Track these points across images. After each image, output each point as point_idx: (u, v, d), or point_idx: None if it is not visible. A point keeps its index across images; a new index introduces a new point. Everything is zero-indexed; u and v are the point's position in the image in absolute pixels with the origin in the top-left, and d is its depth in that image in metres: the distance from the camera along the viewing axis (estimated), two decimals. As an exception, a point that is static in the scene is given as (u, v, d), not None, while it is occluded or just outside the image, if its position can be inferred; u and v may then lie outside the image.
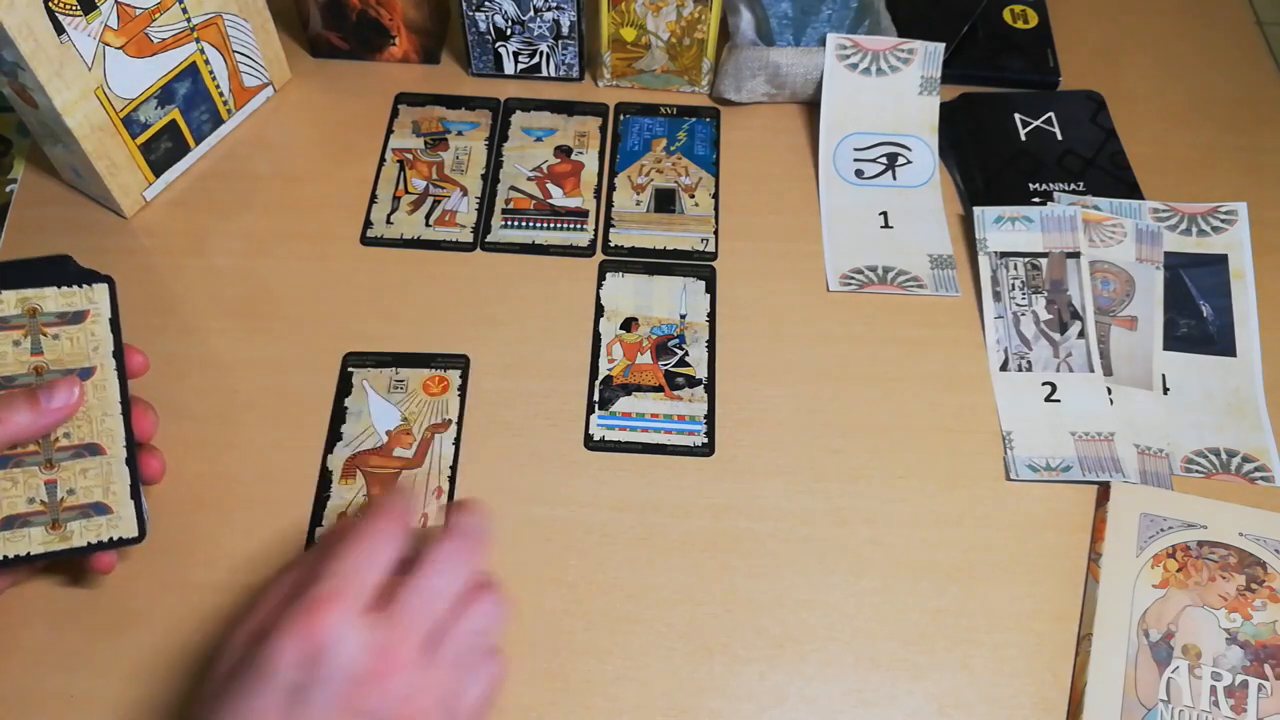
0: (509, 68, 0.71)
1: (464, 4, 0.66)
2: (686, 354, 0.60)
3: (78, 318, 0.48)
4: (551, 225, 0.65)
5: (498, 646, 0.44)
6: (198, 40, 0.62)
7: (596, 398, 0.58)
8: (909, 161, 0.68)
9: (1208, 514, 0.53)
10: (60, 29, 0.54)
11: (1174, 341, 0.60)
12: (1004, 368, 0.59)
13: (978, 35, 0.73)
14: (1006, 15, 0.75)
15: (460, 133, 0.69)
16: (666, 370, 0.59)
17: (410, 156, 0.68)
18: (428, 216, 0.65)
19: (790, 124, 0.70)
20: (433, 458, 0.55)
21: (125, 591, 0.51)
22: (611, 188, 0.67)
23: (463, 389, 0.58)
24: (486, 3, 0.66)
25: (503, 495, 0.54)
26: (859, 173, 0.67)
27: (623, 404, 0.58)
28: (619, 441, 0.56)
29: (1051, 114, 0.70)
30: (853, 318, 0.61)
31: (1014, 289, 0.61)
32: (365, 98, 0.70)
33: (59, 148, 0.61)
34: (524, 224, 0.65)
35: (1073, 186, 0.66)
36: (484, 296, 0.62)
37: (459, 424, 0.57)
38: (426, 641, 0.41)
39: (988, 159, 0.67)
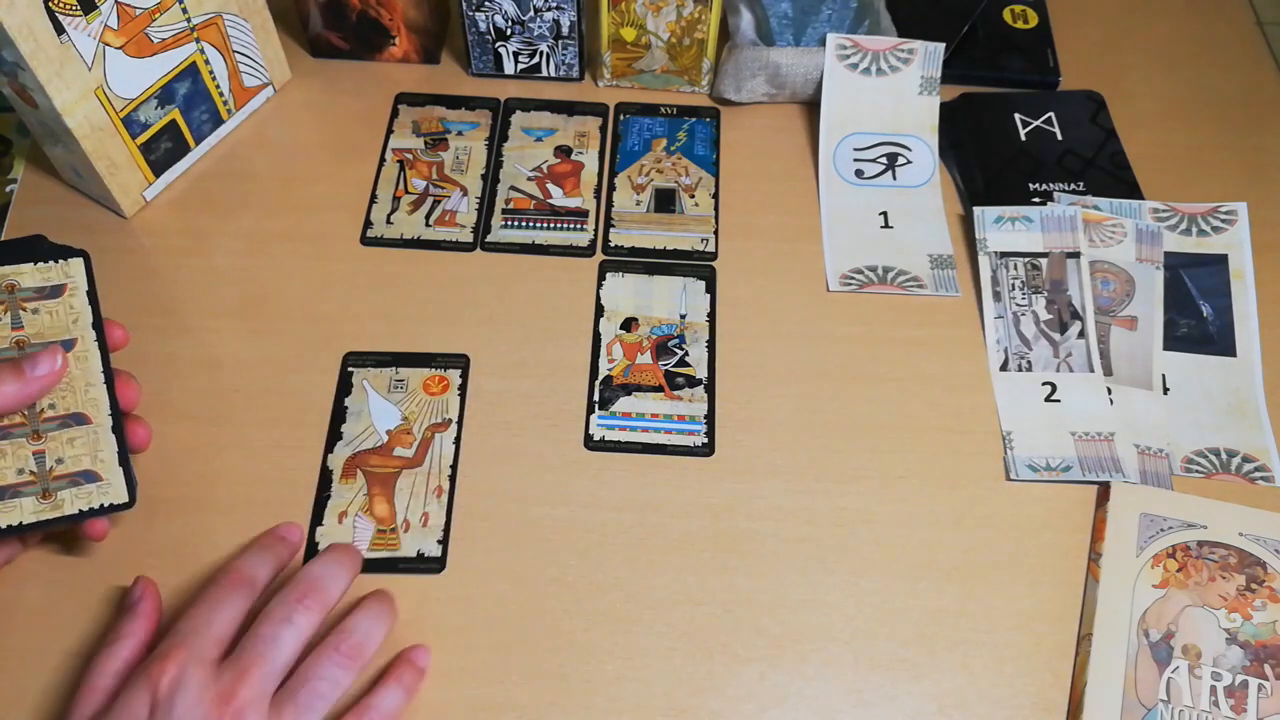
0: (509, 68, 0.71)
1: (464, 4, 0.66)
2: (686, 354, 0.60)
3: (56, 292, 0.48)
4: (551, 225, 0.65)
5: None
6: (198, 40, 0.62)
7: (596, 398, 0.58)
8: (909, 161, 0.68)
9: (1208, 514, 0.53)
10: (60, 29, 0.54)
11: (1174, 341, 0.60)
12: (1004, 368, 0.59)
13: (978, 35, 0.73)
14: (1006, 15, 0.75)
15: (460, 133, 0.69)
16: (666, 370, 0.59)
17: (410, 156, 0.68)
18: (428, 216, 0.65)
19: (790, 124, 0.70)
20: (433, 457, 0.55)
21: (124, 593, 0.51)
22: (611, 188, 0.67)
23: (463, 388, 0.58)
24: (486, 3, 0.66)
25: (503, 495, 0.55)
26: (859, 173, 0.67)
27: (623, 404, 0.58)
28: (619, 441, 0.56)
29: (1051, 114, 0.70)
30: (853, 318, 0.61)
31: (1014, 289, 0.61)
32: (365, 98, 0.70)
33: (59, 148, 0.61)
34: (524, 224, 0.65)
35: (1073, 186, 0.66)
36: (484, 296, 0.62)
37: (459, 423, 0.57)
38: (277, 691, 0.43)
39: (988, 159, 0.67)
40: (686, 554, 0.53)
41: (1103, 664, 0.49)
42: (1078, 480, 0.55)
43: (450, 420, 0.57)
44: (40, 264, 0.49)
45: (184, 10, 0.61)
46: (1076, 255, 0.62)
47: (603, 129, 0.69)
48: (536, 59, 0.70)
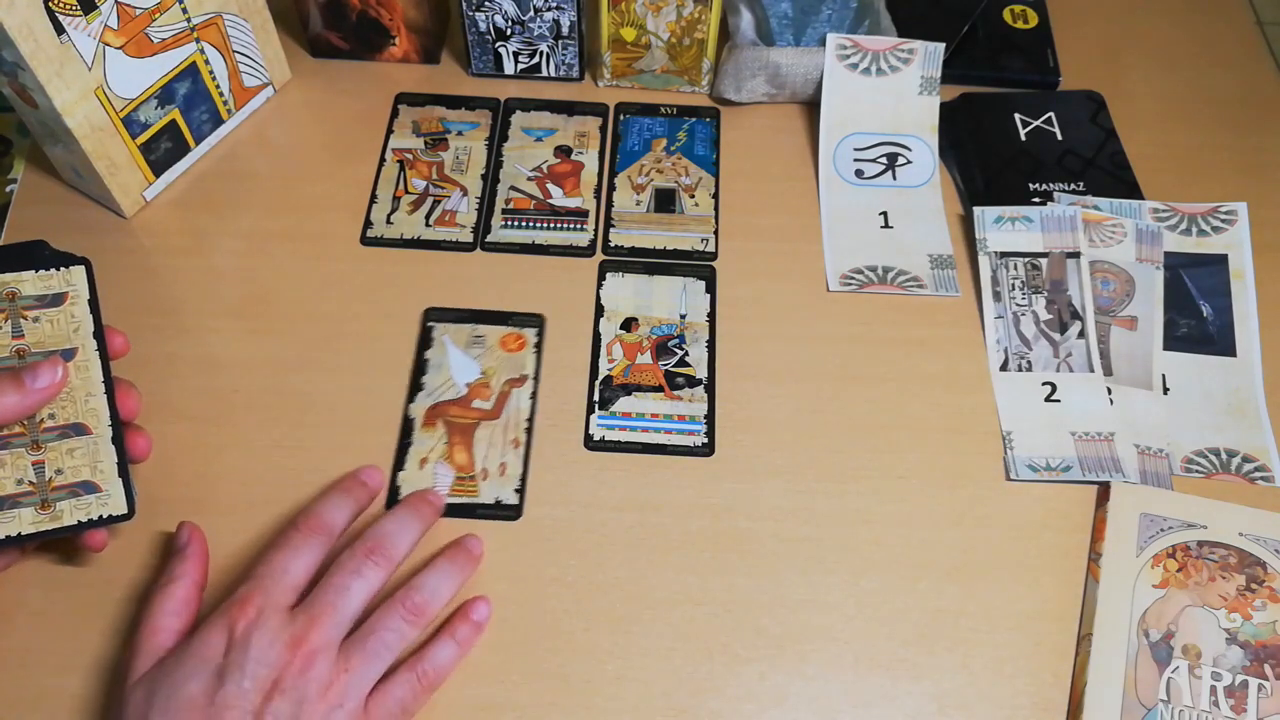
0: (509, 68, 0.71)
1: (464, 4, 0.66)
2: (686, 354, 0.60)
3: (57, 300, 0.48)
4: (551, 225, 0.65)
5: (436, 674, 0.47)
6: (198, 40, 0.62)
7: (596, 398, 0.58)
8: (909, 161, 0.68)
9: (1208, 514, 0.53)
10: (60, 29, 0.54)
11: (1174, 341, 0.60)
12: (1004, 368, 0.59)
13: (978, 35, 0.73)
14: (1006, 15, 0.75)
15: (460, 133, 0.69)
16: (666, 370, 0.59)
17: (410, 156, 0.68)
18: (428, 216, 0.65)
19: (790, 124, 0.70)
20: (509, 411, 0.57)
21: (123, 594, 0.51)
22: (611, 188, 0.67)
23: (539, 346, 0.59)
24: (486, 3, 0.66)
25: (503, 495, 0.55)
26: (859, 173, 0.67)
27: (623, 404, 0.58)
28: (619, 441, 0.56)
29: (1051, 114, 0.70)
30: (853, 318, 0.61)
31: (1014, 289, 0.61)
32: (365, 98, 0.70)
33: (59, 148, 0.61)
34: (524, 224, 0.65)
35: (1073, 186, 0.66)
36: (484, 296, 0.62)
37: (535, 379, 0.58)
38: (345, 638, 0.45)
39: (988, 159, 0.67)
40: (686, 554, 0.53)
41: (1103, 664, 0.49)
42: (1078, 480, 0.55)
43: (527, 376, 0.58)
44: (41, 271, 0.48)
45: (184, 10, 0.61)
46: (1076, 255, 0.62)
47: (603, 129, 0.69)
48: (536, 59, 0.70)
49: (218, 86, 0.66)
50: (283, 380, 0.58)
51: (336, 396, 0.58)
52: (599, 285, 0.62)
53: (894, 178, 0.67)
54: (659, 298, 0.62)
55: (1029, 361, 0.59)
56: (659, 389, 0.58)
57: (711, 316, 0.61)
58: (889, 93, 0.68)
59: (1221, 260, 0.63)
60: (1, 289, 0.48)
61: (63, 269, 0.49)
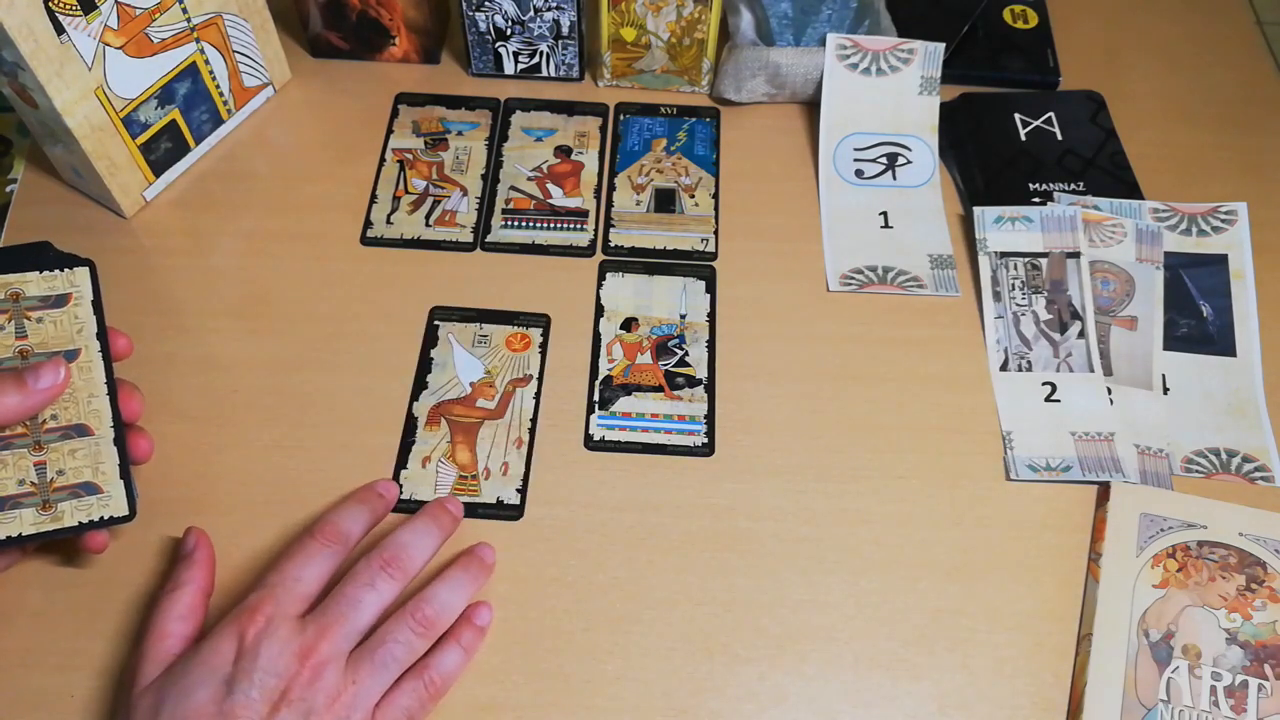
0: (509, 68, 0.71)
1: (464, 4, 0.66)
2: (686, 354, 0.60)
3: (60, 301, 0.48)
4: (551, 225, 0.65)
5: (443, 681, 0.47)
6: (198, 40, 0.62)
7: (596, 398, 0.58)
8: (909, 161, 0.68)
9: (1208, 514, 0.53)
10: (60, 29, 0.54)
11: (1174, 341, 0.60)
12: (1004, 368, 0.59)
13: (978, 35, 0.73)
14: (1006, 15, 0.75)
15: (460, 133, 0.69)
16: (666, 370, 0.59)
17: (410, 156, 0.68)
18: (428, 216, 0.65)
19: (790, 124, 0.70)
20: (514, 410, 0.57)
21: (123, 595, 0.51)
22: (611, 188, 0.67)
23: (544, 346, 0.59)
24: (486, 3, 0.66)
25: (503, 495, 0.55)
26: (859, 173, 0.67)
27: (623, 404, 0.58)
28: (619, 441, 0.56)
29: (1051, 114, 0.70)
30: (853, 318, 0.61)
31: (1014, 289, 0.61)
32: (365, 98, 0.70)
33: (59, 148, 0.61)
34: (524, 224, 0.65)
35: (1073, 186, 0.66)
36: (484, 296, 0.62)
37: (539, 379, 0.58)
38: (355, 649, 0.45)
39: (988, 159, 0.67)
40: (686, 554, 0.53)
41: (1103, 664, 0.49)
42: (1078, 480, 0.55)
43: (531, 376, 0.58)
44: (46, 272, 0.48)
45: (184, 10, 0.61)
46: (1076, 255, 0.62)
47: (603, 129, 0.69)
48: (536, 59, 0.70)
49: (218, 86, 0.66)
50: (283, 380, 0.58)
51: (336, 396, 0.58)
52: (599, 285, 0.62)
53: (894, 178, 0.67)
54: (659, 298, 0.62)
55: (1029, 361, 0.59)
56: (659, 389, 0.58)
57: (711, 316, 0.61)
58: (889, 93, 0.68)
59: (1221, 260, 0.63)
60: (6, 289, 0.48)
61: (67, 270, 0.49)
